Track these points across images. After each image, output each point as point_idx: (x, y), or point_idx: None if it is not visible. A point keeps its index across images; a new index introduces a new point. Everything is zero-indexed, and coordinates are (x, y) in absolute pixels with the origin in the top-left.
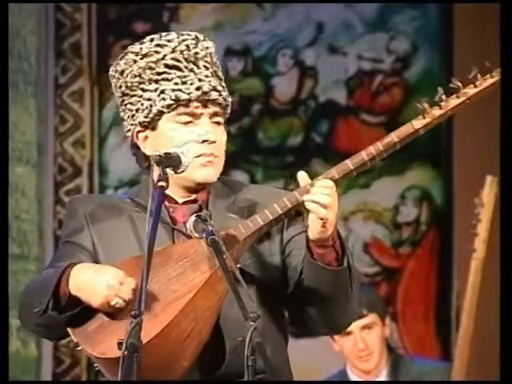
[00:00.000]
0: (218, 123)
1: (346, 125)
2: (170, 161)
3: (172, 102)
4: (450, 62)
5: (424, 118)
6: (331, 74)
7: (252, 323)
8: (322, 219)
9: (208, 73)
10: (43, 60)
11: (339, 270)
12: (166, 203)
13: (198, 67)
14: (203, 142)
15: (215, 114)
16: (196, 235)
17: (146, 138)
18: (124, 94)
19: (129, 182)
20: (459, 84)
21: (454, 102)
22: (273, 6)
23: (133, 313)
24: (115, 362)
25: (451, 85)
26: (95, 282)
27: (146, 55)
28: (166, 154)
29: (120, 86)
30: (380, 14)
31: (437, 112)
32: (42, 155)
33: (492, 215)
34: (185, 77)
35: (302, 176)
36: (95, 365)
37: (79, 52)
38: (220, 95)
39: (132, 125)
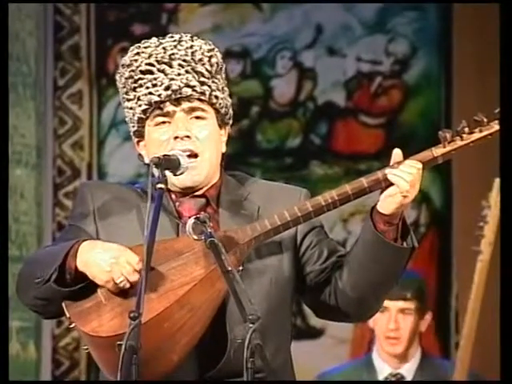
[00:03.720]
0: (199, 118)
1: (344, 127)
2: (169, 163)
3: (146, 106)
4: (449, 64)
5: (444, 146)
6: (330, 75)
7: (251, 325)
8: (402, 194)
9: (182, 71)
10: (42, 62)
11: (402, 249)
12: (173, 197)
13: (171, 67)
14: (175, 138)
15: (193, 110)
16: (195, 237)
17: (144, 146)
18: (123, 107)
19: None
20: (484, 118)
21: (476, 135)
22: (271, 8)
23: (132, 315)
24: (104, 341)
25: (475, 117)
26: (102, 257)
27: (128, 65)
28: (164, 156)
29: (121, 99)
30: (379, 16)
31: (458, 143)
32: (41, 157)
33: (499, 217)
34: (155, 79)
35: (396, 153)
36: (85, 346)
37: (78, 54)
38: (194, 90)
39: (133, 135)
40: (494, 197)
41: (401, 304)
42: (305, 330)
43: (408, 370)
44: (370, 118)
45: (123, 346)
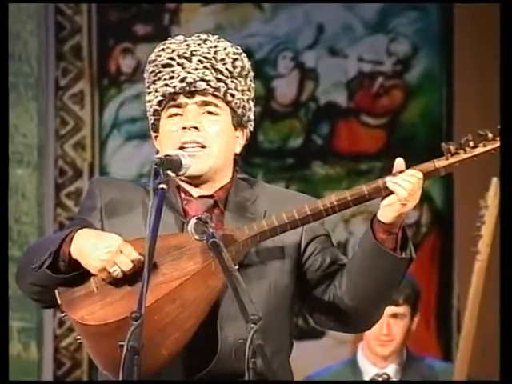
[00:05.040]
0: (211, 113)
1: (346, 127)
2: (170, 163)
3: (161, 97)
4: (450, 64)
5: (447, 159)
6: (332, 76)
7: (253, 325)
8: (400, 201)
9: (200, 66)
10: (44, 62)
11: (400, 259)
12: (182, 195)
13: (190, 61)
14: (184, 129)
15: (206, 104)
16: (197, 237)
17: (160, 141)
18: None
19: None
20: (489, 133)
21: (480, 149)
22: (273, 9)
23: (133, 315)
24: (93, 330)
25: (480, 131)
26: (96, 246)
27: (152, 61)
28: (166, 156)
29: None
30: (380, 16)
31: (461, 155)
32: (43, 157)
33: (496, 217)
34: (172, 72)
35: (399, 162)
36: (78, 337)
37: (79, 54)
38: (209, 85)
39: (151, 130)
40: (492, 196)
41: (393, 309)
42: (306, 330)
43: (393, 370)
44: (372, 118)
45: (125, 347)
